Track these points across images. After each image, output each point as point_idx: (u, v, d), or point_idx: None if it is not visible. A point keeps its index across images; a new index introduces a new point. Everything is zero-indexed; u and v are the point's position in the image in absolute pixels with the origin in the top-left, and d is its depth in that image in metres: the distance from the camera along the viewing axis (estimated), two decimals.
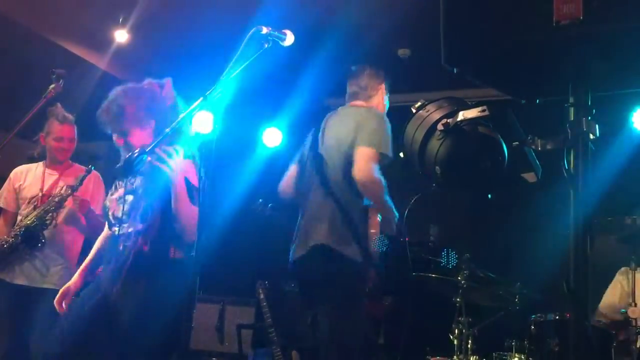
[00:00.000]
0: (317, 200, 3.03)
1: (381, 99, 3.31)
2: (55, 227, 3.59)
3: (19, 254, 3.50)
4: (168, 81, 2.65)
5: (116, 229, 2.65)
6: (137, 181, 2.66)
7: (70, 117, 3.66)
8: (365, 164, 2.85)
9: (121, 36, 4.96)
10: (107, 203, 2.74)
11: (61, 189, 3.56)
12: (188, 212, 2.38)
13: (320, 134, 3.22)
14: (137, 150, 2.07)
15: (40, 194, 3.61)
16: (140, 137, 2.62)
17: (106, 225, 2.87)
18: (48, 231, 3.56)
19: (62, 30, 5.15)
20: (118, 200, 2.68)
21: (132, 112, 2.60)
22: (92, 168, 3.56)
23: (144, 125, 2.62)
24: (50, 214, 3.49)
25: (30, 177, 3.71)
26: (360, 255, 2.88)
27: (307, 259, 2.98)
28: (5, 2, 4.70)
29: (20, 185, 3.70)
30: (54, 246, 3.59)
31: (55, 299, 2.83)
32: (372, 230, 2.91)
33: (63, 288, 2.85)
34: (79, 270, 2.93)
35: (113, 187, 2.77)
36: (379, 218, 2.95)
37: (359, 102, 3.27)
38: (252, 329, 5.09)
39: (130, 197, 2.64)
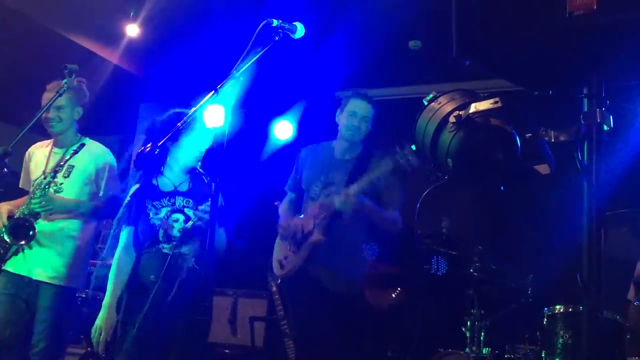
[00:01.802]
0: None
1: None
2: (49, 218, 3.27)
3: (14, 247, 3.22)
4: None
5: (166, 246, 2.88)
6: (180, 201, 2.95)
7: (57, 85, 3.19)
8: None
9: (132, 30, 4.98)
10: (156, 222, 2.91)
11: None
12: None
13: None
14: (149, 145, 2.09)
15: (42, 177, 3.29)
16: None
17: (122, 251, 2.95)
18: (45, 224, 3.27)
19: (74, 25, 5.17)
20: (168, 219, 2.92)
21: None
22: (84, 143, 3.28)
23: None
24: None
25: (38, 157, 3.46)
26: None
27: None
28: None
29: (30, 165, 3.48)
30: (51, 239, 3.29)
31: (94, 339, 2.83)
32: None
33: (99, 330, 2.82)
34: (107, 307, 2.86)
35: (151, 206, 2.94)
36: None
37: None
38: (265, 322, 5.11)
39: (180, 217, 2.93)
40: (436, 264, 4.42)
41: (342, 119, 3.46)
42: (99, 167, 3.39)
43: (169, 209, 2.92)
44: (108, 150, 3.50)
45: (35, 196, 3.20)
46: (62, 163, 3.17)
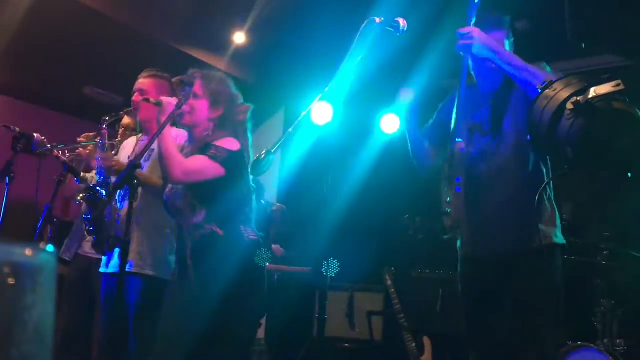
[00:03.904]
0: None
1: None
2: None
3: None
4: None
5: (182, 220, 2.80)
6: None
7: (152, 73, 3.41)
8: None
9: (239, 38, 5.15)
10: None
11: None
12: None
13: None
14: (263, 152, 2.16)
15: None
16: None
17: None
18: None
19: (182, 36, 5.41)
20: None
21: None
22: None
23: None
24: None
25: (127, 148, 3.54)
26: None
27: None
28: (127, 13, 5.01)
29: (120, 156, 3.57)
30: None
31: None
32: None
33: None
34: None
35: None
36: None
37: None
38: (382, 316, 5.13)
39: None
40: None
41: None
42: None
43: None
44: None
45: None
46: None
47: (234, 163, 2.67)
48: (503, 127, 2.53)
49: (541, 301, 2.43)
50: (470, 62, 2.68)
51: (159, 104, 2.71)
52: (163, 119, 2.65)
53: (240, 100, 2.89)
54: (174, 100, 2.71)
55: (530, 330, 2.41)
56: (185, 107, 2.69)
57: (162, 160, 2.65)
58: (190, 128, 2.83)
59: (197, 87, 2.77)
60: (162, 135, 2.60)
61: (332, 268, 4.90)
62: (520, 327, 2.43)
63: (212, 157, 2.64)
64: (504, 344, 2.49)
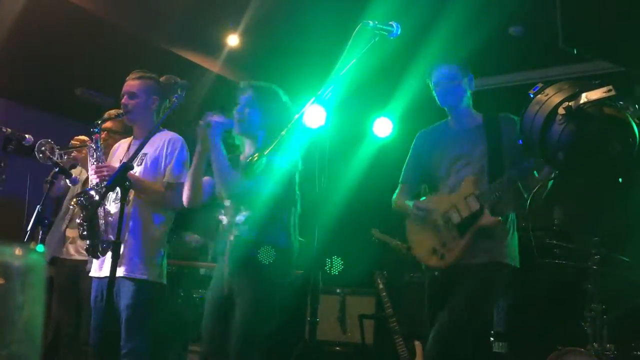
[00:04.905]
0: None
1: None
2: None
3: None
4: None
5: (224, 217, 2.88)
6: None
7: (139, 73, 3.40)
8: None
9: (233, 40, 5.14)
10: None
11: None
12: None
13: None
14: (256, 155, 2.16)
15: None
16: None
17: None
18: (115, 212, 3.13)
19: (175, 38, 5.40)
20: None
21: None
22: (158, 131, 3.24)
23: None
24: None
25: (119, 151, 3.49)
26: None
27: None
28: (120, 14, 4.99)
29: (112, 160, 3.53)
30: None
31: None
32: None
33: None
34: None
35: None
36: None
37: None
38: (374, 319, 5.13)
39: None
40: None
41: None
42: (166, 152, 3.24)
43: None
44: (179, 137, 3.32)
45: None
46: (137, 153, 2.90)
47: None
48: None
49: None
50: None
51: (208, 126, 2.83)
52: (214, 138, 2.80)
53: (293, 109, 2.95)
54: (219, 118, 2.85)
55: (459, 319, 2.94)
56: (238, 117, 2.89)
57: (219, 176, 2.79)
58: (244, 137, 2.97)
59: (249, 97, 2.94)
60: (215, 154, 2.78)
61: (335, 266, 4.91)
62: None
63: (262, 174, 2.75)
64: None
